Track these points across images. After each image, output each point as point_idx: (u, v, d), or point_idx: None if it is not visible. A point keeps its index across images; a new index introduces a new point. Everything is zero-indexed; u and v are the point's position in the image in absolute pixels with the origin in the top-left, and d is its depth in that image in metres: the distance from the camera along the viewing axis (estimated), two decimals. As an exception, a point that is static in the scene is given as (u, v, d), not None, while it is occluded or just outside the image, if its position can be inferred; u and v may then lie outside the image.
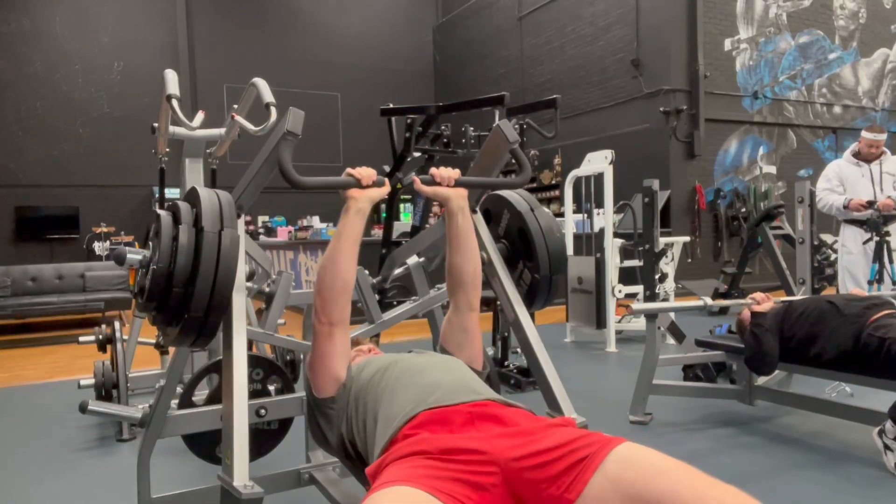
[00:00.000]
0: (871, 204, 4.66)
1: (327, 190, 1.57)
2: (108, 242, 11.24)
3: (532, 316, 2.04)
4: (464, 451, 1.23)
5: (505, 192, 2.14)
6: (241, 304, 1.63)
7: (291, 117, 1.50)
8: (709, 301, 3.25)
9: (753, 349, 2.97)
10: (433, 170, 1.67)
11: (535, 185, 11.63)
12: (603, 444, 1.22)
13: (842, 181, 4.91)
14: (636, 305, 3.43)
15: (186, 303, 1.48)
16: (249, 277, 1.65)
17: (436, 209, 10.43)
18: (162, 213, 1.58)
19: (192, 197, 1.60)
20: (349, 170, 1.58)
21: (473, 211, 1.90)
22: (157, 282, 1.48)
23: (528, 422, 1.35)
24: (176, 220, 1.55)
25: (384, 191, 1.60)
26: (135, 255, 1.59)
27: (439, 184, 1.66)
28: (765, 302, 3.06)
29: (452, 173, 1.68)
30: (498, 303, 2.16)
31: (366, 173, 1.57)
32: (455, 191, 1.68)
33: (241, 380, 1.58)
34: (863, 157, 4.88)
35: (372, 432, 1.43)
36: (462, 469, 1.20)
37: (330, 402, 1.56)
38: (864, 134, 4.85)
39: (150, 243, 1.58)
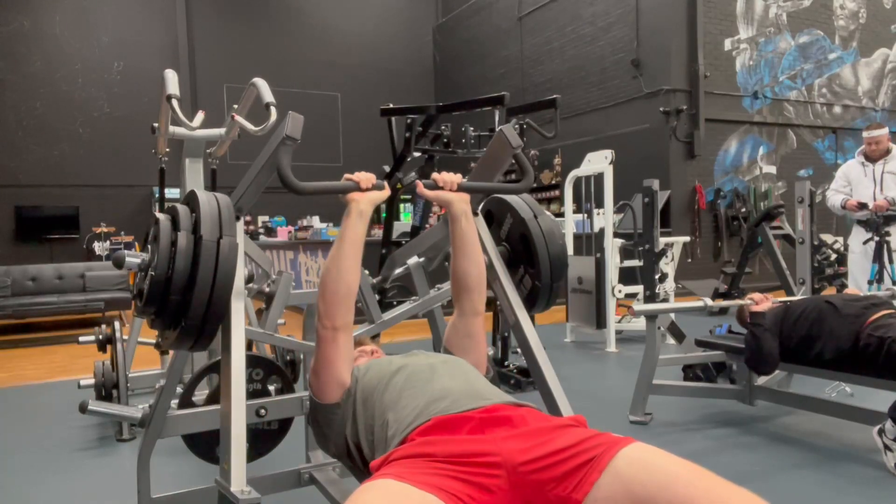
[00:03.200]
0: (862, 205, 4.71)
1: (327, 194, 1.56)
2: (108, 242, 11.25)
3: (532, 318, 2.04)
4: (471, 454, 1.22)
5: (508, 196, 2.14)
6: (239, 309, 1.63)
7: (291, 122, 1.48)
8: (709, 302, 3.24)
9: (753, 349, 2.97)
10: (435, 174, 1.67)
11: (535, 185, 11.64)
12: (611, 444, 1.22)
13: (849, 181, 5.01)
14: (637, 307, 3.43)
15: (184, 309, 1.47)
16: (248, 280, 1.65)
17: (436, 209, 10.44)
18: (161, 216, 1.57)
19: (191, 201, 1.60)
20: (347, 175, 1.58)
21: (475, 214, 1.90)
22: (156, 287, 1.48)
23: (538, 422, 1.34)
24: (175, 225, 1.54)
25: (385, 193, 1.60)
26: (133, 258, 1.59)
27: (442, 188, 1.66)
28: (763, 302, 3.07)
29: (455, 178, 1.68)
30: (498, 303, 2.16)
31: (364, 176, 1.57)
32: (457, 195, 1.67)
33: (240, 384, 1.58)
34: (869, 157, 4.93)
35: (381, 437, 1.42)
36: (467, 471, 1.20)
37: (334, 407, 1.56)
38: (863, 133, 4.93)
39: (149, 247, 1.58)
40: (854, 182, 4.97)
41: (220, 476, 1.51)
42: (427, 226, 4.59)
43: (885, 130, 4.86)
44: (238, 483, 1.44)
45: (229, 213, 1.57)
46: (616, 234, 5.62)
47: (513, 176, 5.52)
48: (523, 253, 2.09)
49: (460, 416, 1.34)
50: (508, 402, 1.43)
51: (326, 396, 1.56)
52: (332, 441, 1.59)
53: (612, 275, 5.35)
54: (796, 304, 3.04)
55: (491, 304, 4.40)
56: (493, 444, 1.24)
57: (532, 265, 2.06)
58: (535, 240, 2.02)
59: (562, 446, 1.22)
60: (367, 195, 1.57)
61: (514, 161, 1.80)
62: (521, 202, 2.12)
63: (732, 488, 1.11)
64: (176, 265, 1.46)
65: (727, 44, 9.68)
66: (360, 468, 1.54)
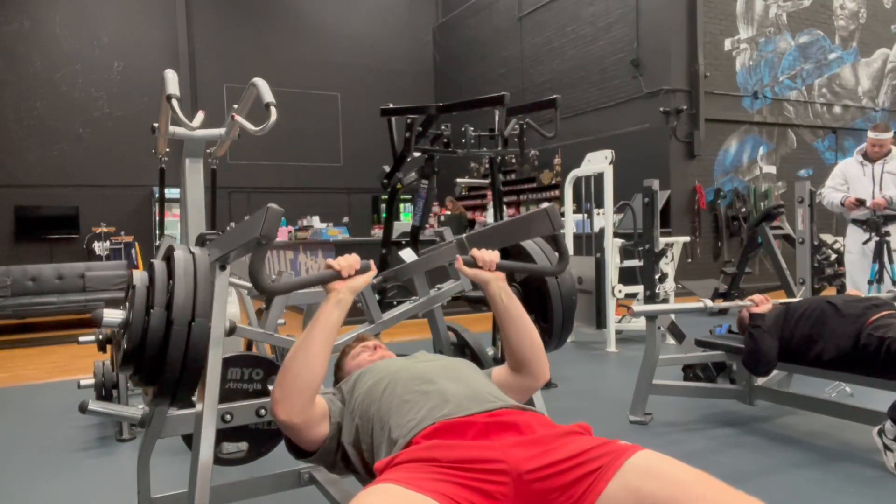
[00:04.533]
0: (861, 202, 4.69)
1: (306, 289, 1.54)
2: (108, 242, 11.26)
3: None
4: (476, 460, 1.21)
5: (533, 251, 2.14)
6: (215, 367, 1.63)
7: (267, 220, 1.39)
8: (709, 302, 3.24)
9: (750, 350, 2.98)
10: (475, 252, 1.66)
11: (535, 185, 11.63)
12: (619, 453, 1.20)
13: (846, 179, 4.97)
14: (636, 308, 3.43)
15: (158, 375, 1.51)
16: (230, 333, 1.66)
17: (436, 209, 10.43)
18: (137, 281, 1.56)
19: (169, 260, 1.58)
20: (329, 261, 1.53)
21: (511, 283, 1.87)
22: (130, 354, 1.51)
23: (544, 428, 1.32)
24: (150, 295, 1.53)
25: (368, 276, 1.55)
26: (112, 317, 1.60)
27: (481, 267, 1.64)
28: (763, 304, 3.07)
29: (494, 257, 1.66)
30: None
31: (346, 263, 1.52)
32: (494, 275, 1.65)
33: (209, 442, 1.59)
34: (868, 157, 4.90)
35: (380, 443, 1.41)
36: (472, 477, 1.18)
37: (322, 451, 1.53)
38: (868, 133, 4.88)
39: (127, 305, 1.59)
40: (852, 181, 4.94)
41: None
42: (427, 226, 4.59)
43: (891, 134, 4.84)
44: None
45: (206, 289, 1.54)
46: (616, 234, 5.62)
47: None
48: (537, 304, 2.10)
49: (464, 420, 1.33)
50: (512, 405, 1.42)
51: (309, 448, 1.53)
52: (329, 466, 1.60)
53: (612, 275, 5.34)
54: (797, 305, 3.04)
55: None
56: (500, 451, 1.22)
57: (545, 319, 2.07)
58: (553, 302, 2.04)
59: (569, 454, 1.21)
60: (347, 283, 1.51)
61: (552, 240, 1.81)
62: (542, 255, 2.12)
63: (743, 498, 1.10)
64: (148, 340, 1.48)
65: (727, 44, 9.68)
66: (360, 471, 1.53)
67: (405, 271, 2.28)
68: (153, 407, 1.68)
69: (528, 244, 2.14)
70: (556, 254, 1.79)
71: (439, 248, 2.11)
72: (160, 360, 1.49)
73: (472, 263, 1.64)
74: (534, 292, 2.11)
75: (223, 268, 1.64)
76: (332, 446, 1.53)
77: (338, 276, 1.51)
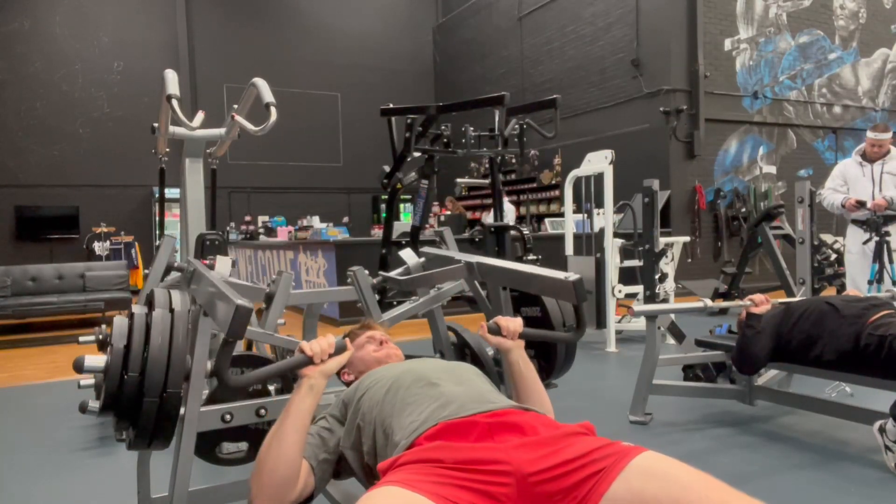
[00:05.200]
0: (861, 204, 4.68)
1: (275, 377, 1.53)
2: (108, 242, 11.26)
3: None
4: (480, 461, 1.21)
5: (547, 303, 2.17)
6: (192, 417, 1.66)
7: (235, 320, 1.33)
8: (709, 302, 3.25)
9: (740, 348, 3.00)
10: (500, 319, 1.70)
11: (535, 185, 11.63)
12: (622, 454, 1.20)
13: (846, 180, 4.95)
14: (637, 308, 3.43)
15: (135, 424, 1.53)
16: (211, 375, 1.68)
17: (436, 209, 10.42)
18: (115, 333, 1.56)
19: (150, 309, 1.58)
20: (303, 344, 1.50)
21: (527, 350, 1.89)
22: (108, 400, 1.52)
23: (547, 429, 1.32)
24: (126, 356, 1.53)
25: (344, 357, 1.53)
26: (93, 363, 1.63)
27: (504, 336, 1.68)
28: (763, 304, 3.07)
29: (517, 326, 1.70)
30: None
31: (318, 348, 1.49)
32: (516, 343, 1.70)
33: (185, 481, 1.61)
34: (867, 157, 4.88)
35: (383, 445, 1.41)
36: (475, 479, 1.18)
37: (313, 492, 1.51)
38: (868, 133, 4.87)
39: (108, 350, 1.60)
40: (851, 181, 4.93)
41: None
42: (427, 226, 4.59)
43: (890, 135, 4.83)
44: None
45: (181, 353, 1.53)
46: (616, 234, 5.62)
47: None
48: (542, 352, 2.13)
49: (467, 421, 1.33)
50: (514, 406, 1.43)
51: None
52: (339, 475, 1.60)
53: (612, 275, 5.34)
54: (797, 305, 3.04)
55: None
56: (504, 453, 1.22)
57: (547, 361, 2.10)
58: (557, 356, 2.06)
59: (572, 456, 1.21)
60: (320, 368, 1.49)
61: (574, 310, 1.84)
62: (557, 312, 2.15)
63: (746, 500, 1.10)
64: (124, 394, 1.50)
65: (727, 44, 9.68)
66: (358, 473, 1.53)
67: (408, 284, 2.29)
68: (135, 448, 1.71)
69: (553, 310, 2.19)
70: (576, 323, 1.85)
71: (446, 270, 2.12)
72: (135, 415, 1.52)
73: (497, 331, 1.68)
74: (541, 343, 2.16)
75: (206, 314, 1.62)
76: (323, 483, 1.53)
77: (310, 361, 1.49)
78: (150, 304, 1.61)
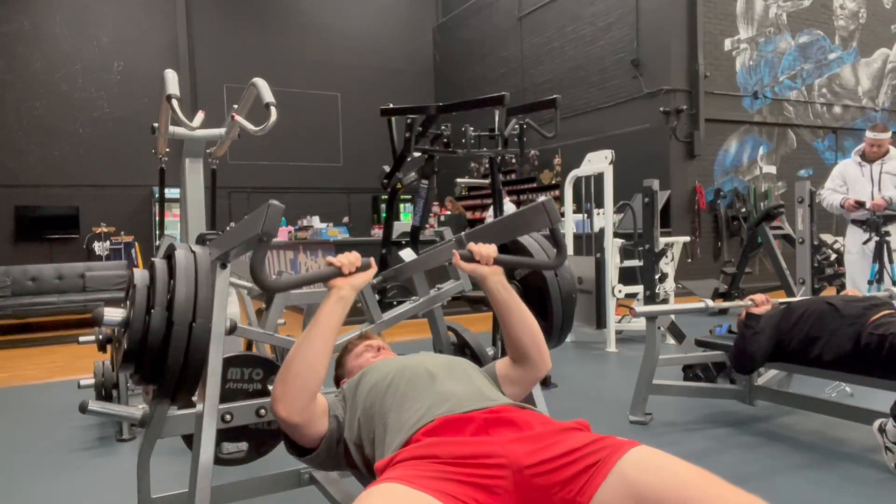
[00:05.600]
0: (861, 204, 4.68)
1: (307, 285, 1.52)
2: (108, 242, 11.25)
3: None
4: (476, 455, 1.22)
5: (532, 247, 2.12)
6: (216, 367, 1.62)
7: (268, 217, 1.39)
8: (709, 302, 3.25)
9: (739, 348, 3.01)
10: (472, 246, 1.65)
11: (535, 185, 11.64)
12: (616, 447, 1.22)
13: (845, 181, 4.95)
14: (639, 309, 3.43)
15: (159, 375, 1.50)
16: (230, 332, 1.65)
17: (436, 209, 10.43)
18: (137, 279, 1.55)
19: (170, 258, 1.58)
20: (330, 258, 1.52)
21: (512, 279, 1.86)
22: (131, 352, 1.50)
23: (542, 425, 1.34)
24: (150, 294, 1.52)
25: (370, 273, 1.54)
26: (112, 316, 1.59)
27: (478, 261, 1.63)
28: (763, 304, 3.07)
29: (491, 251, 1.65)
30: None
31: (347, 260, 1.51)
32: (491, 269, 1.64)
33: (210, 437, 1.59)
34: (867, 157, 4.88)
35: (381, 439, 1.42)
36: (471, 473, 1.19)
37: (317, 448, 1.52)
38: (867, 133, 4.86)
39: (127, 304, 1.58)
40: (851, 182, 4.93)
41: None
42: (427, 226, 4.59)
43: (889, 135, 4.83)
44: None
45: (207, 289, 1.53)
46: (616, 234, 5.62)
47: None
48: (536, 303, 2.09)
49: (464, 417, 1.34)
50: (511, 403, 1.44)
51: (308, 444, 1.52)
52: (330, 465, 1.59)
53: (612, 275, 5.34)
54: (797, 306, 3.04)
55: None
56: (499, 447, 1.24)
57: (544, 318, 2.06)
58: (553, 301, 2.02)
59: (567, 449, 1.22)
60: (349, 280, 1.51)
61: (550, 234, 1.79)
62: (541, 251, 2.10)
63: (742, 494, 1.10)
64: (149, 341, 1.47)
65: (727, 44, 9.68)
66: (362, 469, 1.54)
67: (405, 270, 2.28)
68: (153, 406, 1.67)
69: (528, 241, 2.13)
70: (555, 249, 1.79)
71: (438, 246, 2.10)
72: (160, 360, 1.48)
73: (470, 258, 1.64)
74: (533, 291, 2.11)
75: (224, 266, 1.63)
76: (331, 443, 1.52)
77: (339, 272, 1.50)
78: (168, 256, 1.61)
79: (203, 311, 1.51)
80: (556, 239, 1.76)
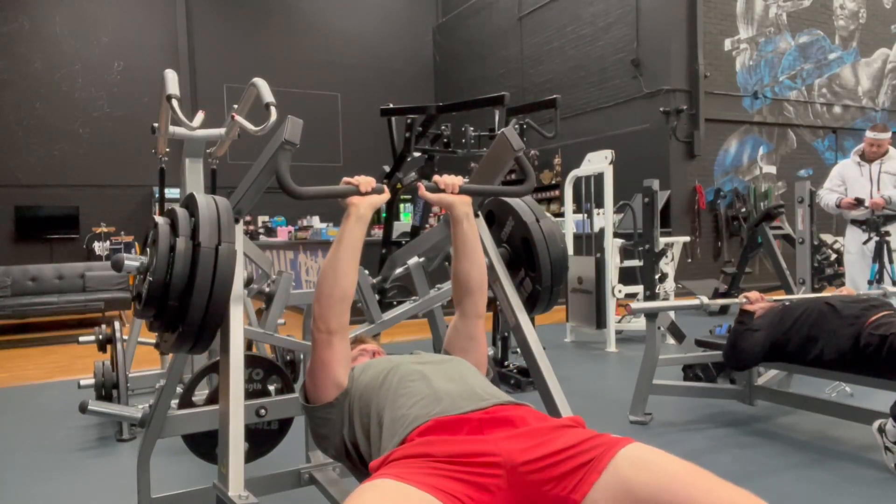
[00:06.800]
0: (859, 202, 4.68)
1: (327, 199, 1.56)
2: (108, 242, 11.25)
3: (532, 319, 2.04)
4: (470, 454, 1.22)
5: (510, 199, 2.14)
6: (238, 312, 1.63)
7: (290, 126, 1.46)
8: (705, 300, 3.26)
9: (731, 345, 3.04)
10: (437, 177, 1.66)
11: (535, 185, 11.62)
12: (610, 444, 1.22)
13: (844, 181, 4.95)
14: (635, 304, 3.44)
15: (183, 313, 1.48)
16: (248, 282, 1.65)
17: (436, 210, 10.43)
18: (159, 220, 1.57)
19: (190, 204, 1.59)
20: (346, 178, 1.57)
21: (476, 215, 1.89)
22: (154, 291, 1.49)
23: (537, 422, 1.34)
24: (174, 229, 1.54)
25: (384, 197, 1.59)
26: (132, 261, 1.58)
27: (443, 190, 1.65)
28: (757, 301, 3.08)
29: (456, 180, 1.67)
30: (498, 304, 2.16)
31: (364, 180, 1.56)
32: (459, 198, 1.66)
33: (238, 385, 1.58)
34: (866, 157, 4.88)
35: (377, 437, 1.42)
36: (466, 470, 1.20)
37: (328, 407, 1.55)
38: (867, 133, 4.87)
39: (148, 250, 1.58)
40: (850, 181, 4.93)
41: (217, 480, 1.50)
42: (427, 226, 4.59)
43: (889, 135, 4.83)
44: (236, 487, 1.44)
45: (228, 218, 1.56)
46: (616, 234, 5.62)
47: (513, 176, 5.50)
48: (524, 256, 2.09)
49: (459, 418, 1.34)
50: (507, 402, 1.43)
51: (321, 397, 1.56)
52: (331, 441, 1.59)
53: (612, 275, 5.35)
54: (795, 306, 3.04)
55: (491, 304, 4.41)
56: (493, 444, 1.24)
57: (533, 269, 2.06)
58: (537, 244, 2.02)
59: (562, 447, 1.23)
60: (366, 199, 1.56)
61: (515, 163, 1.80)
62: (522, 205, 2.11)
63: (734, 489, 1.11)
64: (174, 271, 1.46)
65: (727, 44, 9.68)
66: (360, 468, 1.54)
67: (403, 253, 2.28)
68: (174, 351, 1.64)
69: (517, 202, 2.13)
70: (523, 178, 1.79)
71: (431, 232, 2.10)
72: (185, 295, 1.47)
73: (434, 188, 1.66)
74: (520, 243, 2.11)
75: (237, 220, 1.64)
76: (345, 411, 1.54)
77: (356, 191, 1.55)
78: (187, 205, 1.61)
79: (227, 235, 1.52)
80: (521, 166, 1.77)
